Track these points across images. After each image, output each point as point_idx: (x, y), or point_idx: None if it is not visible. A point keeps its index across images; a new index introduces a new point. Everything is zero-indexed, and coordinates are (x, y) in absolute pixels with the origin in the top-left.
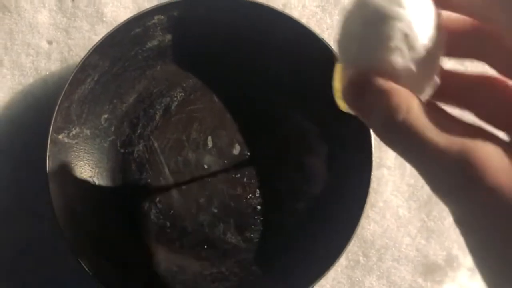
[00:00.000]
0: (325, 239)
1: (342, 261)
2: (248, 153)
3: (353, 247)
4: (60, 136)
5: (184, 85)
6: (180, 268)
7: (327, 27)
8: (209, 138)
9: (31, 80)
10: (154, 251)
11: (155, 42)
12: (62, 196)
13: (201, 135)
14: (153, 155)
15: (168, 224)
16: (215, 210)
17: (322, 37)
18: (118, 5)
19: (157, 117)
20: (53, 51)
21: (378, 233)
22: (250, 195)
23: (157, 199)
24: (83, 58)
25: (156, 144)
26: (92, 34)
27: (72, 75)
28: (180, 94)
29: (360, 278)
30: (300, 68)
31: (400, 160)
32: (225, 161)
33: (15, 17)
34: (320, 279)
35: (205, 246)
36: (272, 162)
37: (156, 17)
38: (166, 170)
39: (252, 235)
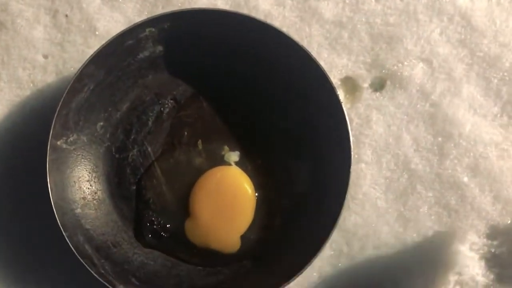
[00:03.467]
0: (309, 232)
1: (327, 251)
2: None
3: (337, 237)
4: (59, 142)
5: (175, 92)
6: (175, 264)
7: (305, 35)
8: (199, 141)
9: (28, 92)
10: (150, 248)
11: (146, 53)
12: (61, 199)
13: (192, 139)
14: (146, 159)
15: (162, 222)
16: None
17: (302, 44)
18: (109, 19)
19: (150, 123)
20: (48, 64)
21: (359, 224)
22: None
23: (151, 199)
24: (80, 68)
25: (149, 149)
26: (86, 48)
27: (70, 84)
28: (171, 101)
29: (344, 266)
30: (282, 75)
31: (377, 155)
32: (215, 163)
33: (11, 33)
34: (305, 268)
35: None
36: (259, 163)
37: (147, 30)
38: (159, 172)
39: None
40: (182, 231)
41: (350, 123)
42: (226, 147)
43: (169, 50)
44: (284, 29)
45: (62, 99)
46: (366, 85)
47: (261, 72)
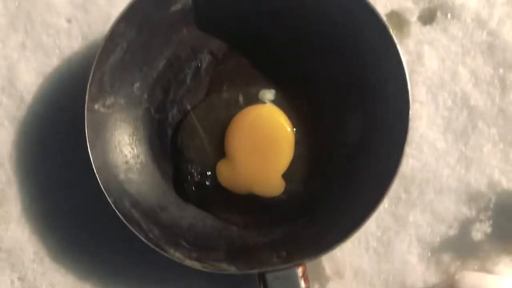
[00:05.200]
0: (367, 182)
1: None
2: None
3: (394, 185)
4: (96, 106)
5: (212, 47)
6: (225, 225)
7: None
8: (240, 95)
9: (55, 59)
10: (197, 211)
11: (179, 5)
12: (104, 164)
13: (232, 93)
14: (187, 118)
15: (207, 183)
16: None
17: None
18: None
19: (188, 80)
20: (72, 29)
21: (417, 168)
22: None
23: (194, 160)
24: (110, 28)
25: (189, 107)
26: (110, 8)
27: (102, 45)
28: (208, 56)
29: (403, 214)
30: (332, 21)
31: (432, 94)
32: None
33: (32, 0)
34: (366, 221)
35: (247, 202)
36: (305, 114)
37: None
38: (201, 131)
39: (293, 186)
40: (230, 191)
41: None
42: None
43: (202, 1)
44: None
45: (95, 62)
46: (414, 18)
47: (304, 14)
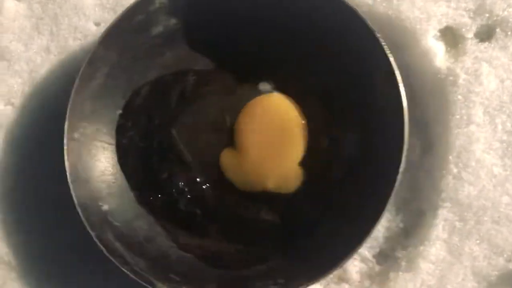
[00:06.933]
0: (365, 203)
1: (438, 227)
2: None
3: (447, 212)
4: (76, 135)
5: (196, 68)
6: (217, 254)
7: None
8: (227, 117)
9: (81, 65)
10: (187, 240)
11: (160, 28)
12: (86, 196)
13: (218, 115)
14: (173, 143)
15: (198, 211)
16: None
17: None
18: None
19: (173, 104)
20: (101, 33)
21: (473, 195)
22: None
23: (184, 187)
24: (90, 52)
25: (174, 132)
26: None
27: (81, 69)
28: (193, 77)
29: (458, 244)
30: (323, 34)
31: (490, 116)
32: None
33: (58, 1)
34: (362, 244)
35: (241, 227)
36: None
37: (158, 1)
38: (189, 156)
39: (286, 211)
40: (222, 218)
41: (455, 79)
42: None
43: (184, 22)
44: None
45: (74, 88)
46: (470, 35)
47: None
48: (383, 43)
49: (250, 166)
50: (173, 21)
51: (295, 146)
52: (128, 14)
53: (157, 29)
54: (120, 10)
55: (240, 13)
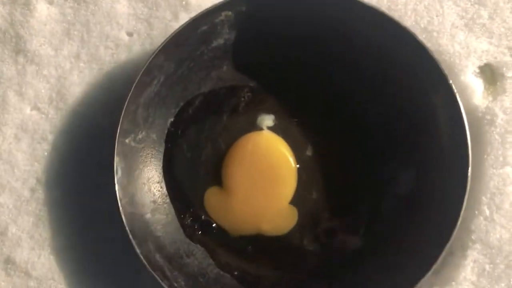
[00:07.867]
0: (413, 248)
1: (467, 268)
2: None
3: (478, 255)
4: (127, 140)
5: (252, 84)
6: (253, 277)
7: (436, 14)
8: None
9: (110, 74)
10: (227, 259)
11: (221, 41)
12: (130, 203)
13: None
14: (221, 157)
15: None
16: None
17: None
18: None
19: (224, 118)
20: (134, 43)
21: (505, 238)
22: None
23: None
24: (148, 60)
25: (223, 146)
26: (175, 24)
27: (138, 77)
28: (248, 94)
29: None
30: (385, 63)
31: None
32: (297, 164)
33: (91, 8)
34: None
35: (281, 253)
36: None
37: (223, 13)
38: None
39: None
40: (263, 240)
41: (493, 118)
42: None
43: (246, 37)
44: (410, 7)
45: (129, 94)
46: (510, 74)
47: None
48: (452, 86)
49: (240, 209)
50: (234, 34)
51: (285, 186)
52: (193, 24)
53: (218, 41)
54: (154, 21)
55: (302, 43)
